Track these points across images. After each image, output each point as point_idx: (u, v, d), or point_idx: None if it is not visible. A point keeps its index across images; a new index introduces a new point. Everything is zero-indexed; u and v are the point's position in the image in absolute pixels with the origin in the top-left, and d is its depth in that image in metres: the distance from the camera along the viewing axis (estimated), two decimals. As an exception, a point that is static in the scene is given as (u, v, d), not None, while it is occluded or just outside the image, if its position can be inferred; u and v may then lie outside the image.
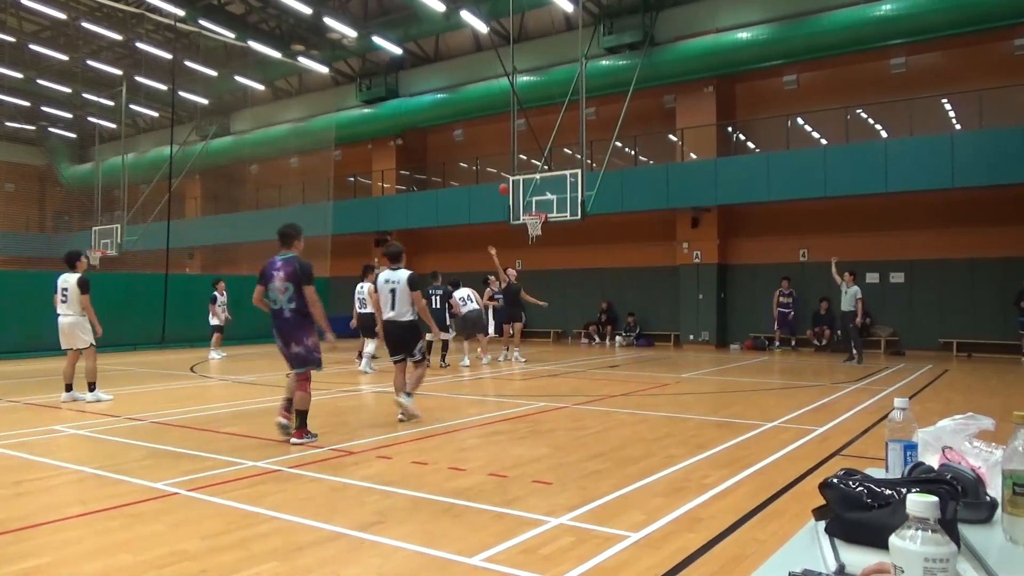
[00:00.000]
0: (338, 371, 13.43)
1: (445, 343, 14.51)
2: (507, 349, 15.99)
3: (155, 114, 32.73)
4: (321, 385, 11.33)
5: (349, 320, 13.74)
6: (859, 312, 14.92)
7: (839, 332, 17.16)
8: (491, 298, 16.22)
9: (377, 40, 22.32)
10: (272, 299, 6.85)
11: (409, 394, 7.84)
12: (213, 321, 16.65)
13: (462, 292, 14.53)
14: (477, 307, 14.61)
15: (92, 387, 9.46)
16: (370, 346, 13.44)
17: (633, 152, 22.21)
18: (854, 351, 14.99)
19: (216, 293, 16.78)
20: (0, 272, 21.01)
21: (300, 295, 6.74)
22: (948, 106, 18.14)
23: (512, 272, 16.07)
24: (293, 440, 6.64)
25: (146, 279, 20.17)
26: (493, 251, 15.36)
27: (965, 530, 1.37)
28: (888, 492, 1.38)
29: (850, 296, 14.91)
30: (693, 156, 20.39)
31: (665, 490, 5.02)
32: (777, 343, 18.88)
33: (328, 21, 21.52)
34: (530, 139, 19.23)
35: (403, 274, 7.88)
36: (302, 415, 6.74)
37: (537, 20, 22.78)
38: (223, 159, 30.57)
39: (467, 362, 14.73)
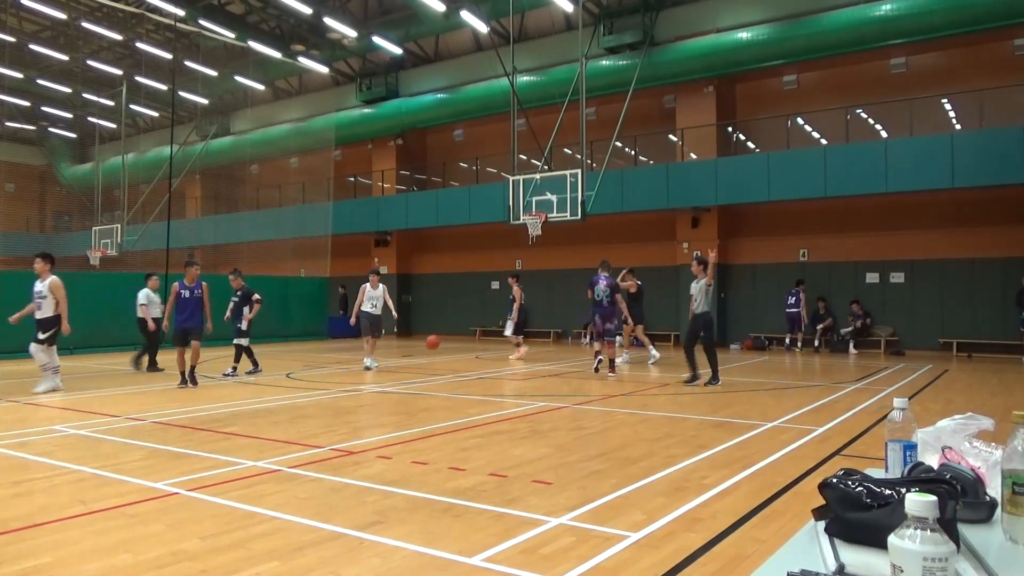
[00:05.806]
0: (340, 371, 13.42)
1: (241, 348, 13.04)
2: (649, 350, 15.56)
3: (155, 114, 32.75)
4: (322, 385, 11.34)
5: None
6: (700, 302, 10.91)
7: (685, 342, 11.76)
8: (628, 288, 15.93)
9: (377, 40, 22.33)
10: (597, 295, 12.42)
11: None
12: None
13: (374, 292, 13.76)
14: (377, 312, 13.78)
15: None
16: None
17: (633, 152, 22.22)
18: (694, 369, 11.19)
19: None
20: (0, 272, 20.99)
21: (612, 296, 12.49)
22: (948, 106, 18.15)
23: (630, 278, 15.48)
24: (608, 375, 12.25)
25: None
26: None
27: (965, 530, 1.37)
28: (888, 492, 1.37)
29: (698, 292, 10.98)
30: (693, 156, 20.39)
31: (665, 490, 5.02)
32: (799, 344, 18.36)
33: (328, 21, 21.53)
34: (530, 139, 19.23)
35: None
36: (612, 362, 12.59)
37: (537, 20, 22.78)
38: (223, 159, 30.59)
39: (368, 363, 13.77)
